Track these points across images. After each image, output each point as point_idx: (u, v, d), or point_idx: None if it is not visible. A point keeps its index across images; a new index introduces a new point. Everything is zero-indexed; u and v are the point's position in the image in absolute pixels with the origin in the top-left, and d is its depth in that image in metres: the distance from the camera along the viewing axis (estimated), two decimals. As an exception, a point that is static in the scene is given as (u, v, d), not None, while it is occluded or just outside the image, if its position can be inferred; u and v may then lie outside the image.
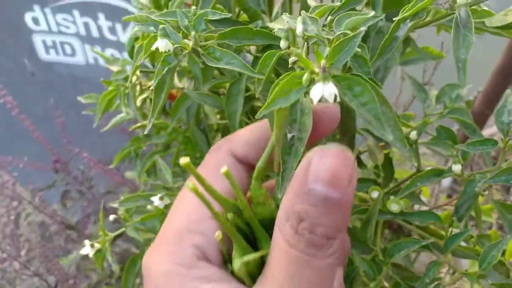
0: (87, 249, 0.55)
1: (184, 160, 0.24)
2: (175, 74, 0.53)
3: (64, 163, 1.01)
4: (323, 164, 0.23)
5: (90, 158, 0.86)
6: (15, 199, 1.05)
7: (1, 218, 1.70)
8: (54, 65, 1.49)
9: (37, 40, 1.46)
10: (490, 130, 1.62)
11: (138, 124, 0.54)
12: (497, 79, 1.09)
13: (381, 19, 0.34)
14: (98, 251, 0.55)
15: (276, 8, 0.43)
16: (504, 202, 0.39)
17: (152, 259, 0.25)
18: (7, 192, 1.03)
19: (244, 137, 0.29)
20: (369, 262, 0.39)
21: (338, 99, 0.24)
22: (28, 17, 1.41)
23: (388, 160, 0.47)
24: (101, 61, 1.44)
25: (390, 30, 0.29)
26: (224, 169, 0.24)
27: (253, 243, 0.28)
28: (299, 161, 0.27)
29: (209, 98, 0.44)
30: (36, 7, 1.39)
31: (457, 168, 0.39)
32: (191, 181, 0.24)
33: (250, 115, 0.46)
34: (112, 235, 0.55)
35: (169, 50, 0.34)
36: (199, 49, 0.33)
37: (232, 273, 0.27)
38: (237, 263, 0.26)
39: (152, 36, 0.35)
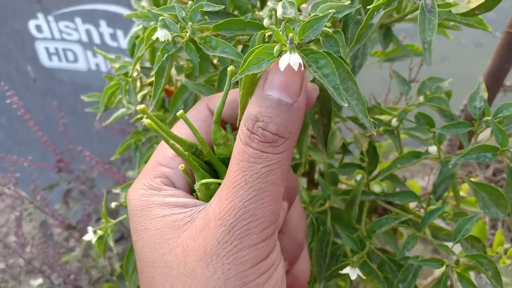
0: (90, 235, 0.58)
1: (140, 107, 0.27)
2: (174, 69, 0.57)
3: (67, 163, 1.04)
4: (278, 75, 0.26)
5: (92, 157, 0.89)
6: (17, 198, 1.07)
7: (3, 216, 1.72)
8: (56, 72, 1.53)
9: (40, 47, 1.50)
10: (483, 134, 1.65)
11: (139, 116, 0.57)
12: (488, 82, 1.13)
13: (359, 12, 0.37)
14: (100, 238, 0.57)
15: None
16: (478, 182, 0.42)
17: (130, 190, 0.29)
18: (9, 191, 1.06)
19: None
20: (353, 238, 0.42)
21: (302, 68, 0.28)
22: (31, 25, 1.46)
23: (372, 147, 0.50)
24: (103, 68, 1.48)
25: (366, 17, 0.32)
26: (179, 112, 0.28)
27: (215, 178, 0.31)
28: None
29: (204, 89, 0.47)
30: (40, 15, 1.43)
31: (433, 149, 0.42)
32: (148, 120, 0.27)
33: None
34: (113, 221, 0.58)
35: (168, 40, 0.37)
36: (196, 38, 0.37)
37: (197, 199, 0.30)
38: (197, 185, 0.29)
39: (152, 28, 0.38)
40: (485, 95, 0.42)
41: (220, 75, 0.45)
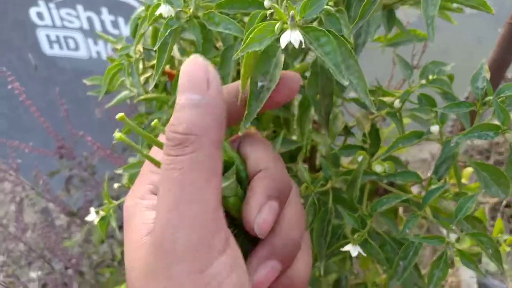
0: (92, 216, 0.58)
1: (119, 115, 0.27)
2: (177, 51, 0.57)
3: (68, 149, 1.04)
4: (182, 77, 0.25)
5: (94, 142, 0.89)
6: (18, 184, 1.08)
7: (5, 203, 1.73)
8: (57, 59, 1.53)
9: (41, 34, 1.50)
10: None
11: (141, 97, 0.57)
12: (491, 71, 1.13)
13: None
14: (103, 219, 0.58)
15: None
16: (480, 162, 0.42)
17: (126, 198, 0.30)
18: (11, 177, 1.06)
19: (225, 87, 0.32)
20: (354, 217, 0.42)
21: (303, 46, 0.28)
22: (32, 12, 1.45)
23: (374, 129, 0.50)
24: (104, 55, 1.47)
25: (369, -6, 0.32)
26: (119, 115, 0.27)
27: None
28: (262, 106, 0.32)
29: (207, 68, 0.47)
30: (41, 2, 1.43)
31: (435, 129, 0.42)
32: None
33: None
34: (116, 202, 0.58)
35: (171, 15, 0.37)
36: (200, 14, 0.37)
37: None
38: None
39: (156, 4, 0.38)
40: (488, 75, 0.42)
41: (222, 55, 0.45)
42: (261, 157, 0.30)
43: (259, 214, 0.27)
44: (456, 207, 0.40)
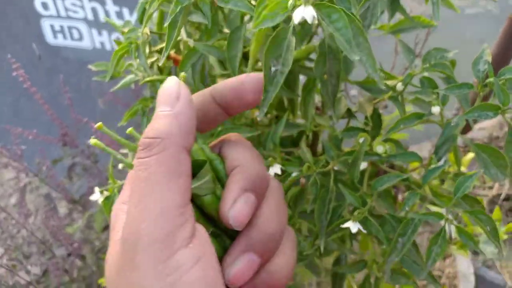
0: (96, 196, 0.59)
1: (98, 125, 0.29)
2: (184, 33, 0.58)
3: (71, 137, 1.05)
4: (159, 91, 0.29)
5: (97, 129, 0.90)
6: (22, 171, 1.09)
7: (8, 189, 1.74)
8: (61, 49, 1.54)
9: (46, 24, 1.50)
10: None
11: (147, 79, 0.58)
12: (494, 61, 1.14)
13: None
14: (107, 198, 0.59)
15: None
16: (480, 143, 0.43)
17: (115, 203, 0.32)
18: (15, 164, 1.07)
19: (224, 83, 0.33)
20: (355, 195, 0.43)
21: (316, 21, 0.29)
22: (37, 2, 1.46)
23: (376, 113, 0.51)
24: (108, 46, 1.48)
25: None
26: (98, 124, 0.29)
27: None
28: (278, 90, 0.33)
29: (213, 49, 0.48)
30: (46, -8, 1.44)
31: (436, 110, 0.43)
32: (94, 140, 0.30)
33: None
34: (120, 182, 0.59)
35: (181, -7, 0.38)
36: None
37: None
38: None
39: (165, -17, 0.39)
40: (489, 58, 0.43)
41: (229, 37, 0.46)
42: (238, 155, 0.31)
43: (234, 205, 0.28)
44: (455, 186, 0.41)
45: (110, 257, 0.28)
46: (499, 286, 1.13)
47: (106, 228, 1.23)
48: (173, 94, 0.28)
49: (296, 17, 0.29)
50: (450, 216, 0.41)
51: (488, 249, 0.72)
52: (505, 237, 0.77)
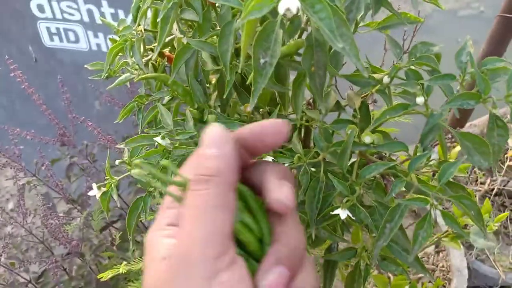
0: (94, 191, 0.60)
1: (165, 162, 0.33)
2: (177, 31, 0.59)
3: (69, 137, 1.06)
4: (205, 135, 0.33)
5: (94, 127, 0.91)
6: (20, 170, 1.10)
7: (5, 194, 1.74)
8: (57, 52, 1.55)
9: (42, 27, 1.52)
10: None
11: (142, 76, 0.59)
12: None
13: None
14: (104, 193, 0.60)
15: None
16: (463, 131, 0.44)
17: (147, 234, 0.35)
18: (13, 164, 1.08)
19: (247, 128, 0.37)
20: (344, 184, 0.45)
21: (301, 12, 0.30)
22: (33, 5, 1.47)
23: (365, 105, 0.53)
24: (104, 48, 1.50)
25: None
26: (136, 161, 0.34)
27: None
28: (267, 81, 0.37)
29: (206, 45, 0.50)
30: (42, -5, 1.45)
31: (420, 100, 0.45)
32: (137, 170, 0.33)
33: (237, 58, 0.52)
34: (117, 178, 0.60)
35: (172, -11, 0.40)
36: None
37: None
38: None
39: (158, -20, 0.41)
40: (472, 50, 0.45)
41: (221, 32, 0.48)
42: (285, 228, 0.35)
43: (266, 276, 0.32)
44: (439, 172, 0.42)
45: (153, 274, 0.32)
46: (492, 279, 1.15)
47: (105, 228, 1.24)
48: (222, 137, 0.33)
49: (281, 8, 0.30)
50: (435, 202, 0.43)
51: (479, 240, 0.74)
52: (494, 228, 0.78)
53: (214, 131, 0.33)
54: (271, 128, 0.35)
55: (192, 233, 0.30)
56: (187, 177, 0.33)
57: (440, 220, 1.11)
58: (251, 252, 0.33)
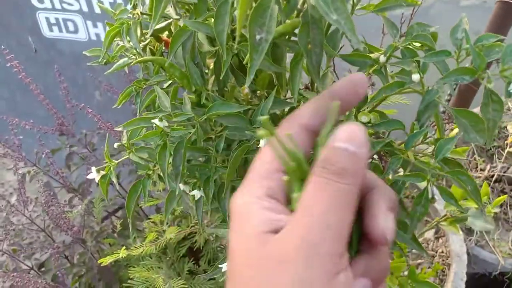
0: (93, 175, 0.61)
1: (263, 118, 0.32)
2: (174, 13, 0.59)
3: (68, 127, 1.07)
4: (344, 131, 0.32)
5: (95, 114, 0.92)
6: (21, 160, 1.10)
7: (9, 188, 1.75)
8: (57, 42, 1.55)
9: (41, 17, 1.51)
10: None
11: (139, 59, 0.59)
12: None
13: None
14: (103, 177, 0.60)
15: None
16: (459, 109, 0.45)
17: (237, 195, 0.34)
18: (13, 153, 1.09)
19: (307, 110, 0.37)
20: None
21: None
22: (32, -5, 1.47)
23: (362, 85, 0.53)
24: (103, 37, 1.49)
25: None
26: (263, 117, 0.33)
27: None
28: (263, 58, 0.37)
29: (202, 26, 0.50)
30: (41, -15, 1.45)
31: (416, 77, 0.45)
32: (264, 131, 0.33)
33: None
34: (116, 161, 0.61)
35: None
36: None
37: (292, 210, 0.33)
38: (290, 197, 0.33)
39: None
40: (467, 27, 0.44)
41: (216, 12, 0.48)
42: (374, 177, 0.36)
43: (386, 222, 0.33)
44: (436, 148, 0.42)
45: (251, 246, 0.31)
46: (492, 265, 1.16)
47: (106, 217, 1.25)
48: (362, 139, 0.32)
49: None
50: (431, 177, 0.43)
51: (477, 222, 0.74)
52: (493, 211, 0.79)
53: (356, 130, 0.32)
54: (357, 78, 0.38)
55: (322, 223, 0.29)
56: (298, 148, 0.33)
57: (438, 206, 1.11)
58: None
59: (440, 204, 1.13)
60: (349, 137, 0.32)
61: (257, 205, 0.32)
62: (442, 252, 1.06)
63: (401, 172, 0.48)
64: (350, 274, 0.30)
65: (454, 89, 1.16)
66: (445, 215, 0.85)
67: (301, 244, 0.29)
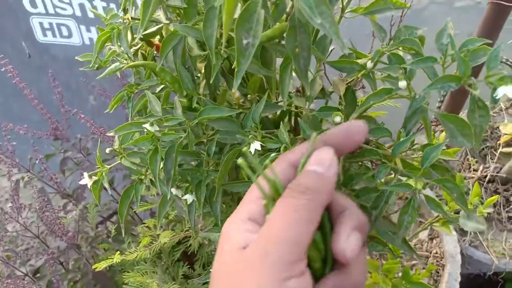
0: (85, 180, 0.61)
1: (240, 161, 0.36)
2: (162, 12, 0.59)
3: (62, 131, 1.07)
4: (315, 155, 0.37)
5: (87, 120, 0.92)
6: (14, 166, 1.10)
7: (4, 194, 1.74)
8: (50, 47, 1.55)
9: (35, 22, 1.51)
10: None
11: (130, 64, 0.60)
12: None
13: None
14: (95, 183, 0.61)
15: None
16: (446, 113, 0.45)
17: (229, 217, 0.38)
18: (7, 160, 1.08)
19: (297, 150, 0.40)
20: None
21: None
22: (26, 0, 1.47)
23: (350, 91, 0.53)
24: (96, 42, 1.49)
25: None
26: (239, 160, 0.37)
27: None
28: (250, 62, 0.38)
29: (191, 30, 0.50)
30: (34, -10, 1.45)
31: (402, 84, 0.45)
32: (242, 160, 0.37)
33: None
34: (108, 167, 0.61)
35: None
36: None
37: None
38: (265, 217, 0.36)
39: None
40: (452, 32, 0.45)
41: (205, 16, 0.48)
42: (345, 202, 0.38)
43: (349, 240, 0.35)
44: (423, 157, 0.43)
45: (227, 261, 0.35)
46: (486, 265, 1.16)
47: (101, 222, 1.25)
48: (332, 161, 0.36)
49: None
50: (419, 186, 0.43)
51: (468, 223, 0.74)
52: (485, 212, 0.79)
53: (325, 153, 0.37)
54: (356, 127, 0.40)
55: (278, 235, 0.33)
56: (277, 178, 0.36)
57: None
58: (313, 269, 0.35)
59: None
60: (318, 160, 0.36)
61: (237, 226, 0.36)
62: (436, 253, 1.07)
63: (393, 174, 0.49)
64: (304, 281, 0.33)
65: (444, 95, 1.16)
66: (438, 216, 0.86)
67: (260, 254, 0.32)
